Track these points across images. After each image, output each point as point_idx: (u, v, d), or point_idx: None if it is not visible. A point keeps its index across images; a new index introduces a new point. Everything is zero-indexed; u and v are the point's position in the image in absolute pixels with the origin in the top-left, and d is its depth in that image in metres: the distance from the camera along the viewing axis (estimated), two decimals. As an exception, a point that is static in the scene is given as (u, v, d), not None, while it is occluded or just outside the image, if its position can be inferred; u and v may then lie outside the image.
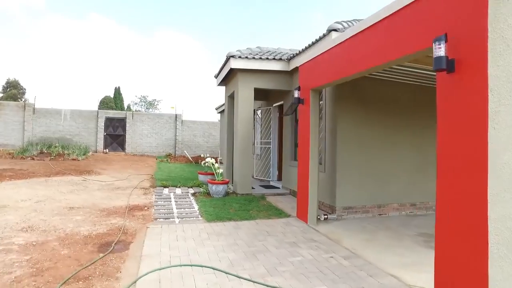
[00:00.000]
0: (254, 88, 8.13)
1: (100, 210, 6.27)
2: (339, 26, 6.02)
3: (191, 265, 3.78)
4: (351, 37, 4.43)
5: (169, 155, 20.12)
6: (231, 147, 9.65)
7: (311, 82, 5.74)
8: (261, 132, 10.42)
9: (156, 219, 5.82)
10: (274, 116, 9.78)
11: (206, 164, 8.27)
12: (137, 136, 19.86)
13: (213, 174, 9.45)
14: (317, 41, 6.55)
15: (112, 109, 32.33)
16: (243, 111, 8.05)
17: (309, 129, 5.78)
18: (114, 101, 38.66)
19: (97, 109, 20.07)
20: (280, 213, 6.48)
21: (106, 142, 19.23)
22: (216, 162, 17.33)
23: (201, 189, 8.48)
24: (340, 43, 4.74)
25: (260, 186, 9.24)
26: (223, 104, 17.71)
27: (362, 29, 4.17)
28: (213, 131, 21.72)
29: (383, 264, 3.98)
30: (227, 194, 7.92)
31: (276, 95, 9.47)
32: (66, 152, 16.25)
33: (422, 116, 6.76)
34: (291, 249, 4.45)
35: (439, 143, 2.94)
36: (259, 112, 10.95)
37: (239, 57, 7.77)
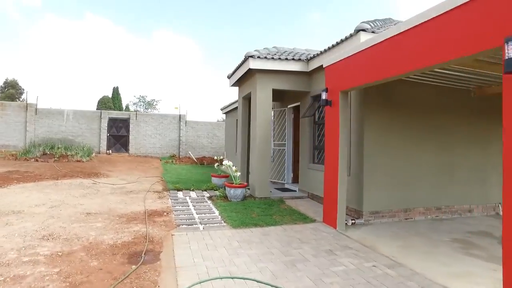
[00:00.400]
0: (272, 89, 7.91)
1: (118, 216, 6.01)
2: (367, 26, 5.82)
3: (232, 278, 3.55)
4: (392, 37, 4.23)
5: (173, 156, 19.84)
6: (246, 150, 9.43)
7: (340, 84, 5.54)
8: (274, 133, 10.20)
9: (178, 225, 5.58)
10: (289, 118, 9.57)
11: (222, 167, 8.03)
12: (140, 137, 19.55)
13: (227, 177, 9.25)
14: (342, 41, 6.35)
15: (111, 109, 31.94)
16: (261, 113, 7.83)
17: (338, 132, 5.58)
18: (113, 101, 38.21)
19: (96, 109, 19.70)
20: (304, 218, 6.27)
21: (109, 143, 18.90)
22: (221, 163, 17.08)
23: (217, 193, 8.24)
24: (378, 43, 4.53)
25: (276, 189, 9.02)
26: (229, 105, 17.48)
27: (406, 29, 3.96)
28: (217, 131, 21.47)
29: (431, 274, 3.79)
30: (244, 197, 7.70)
31: (291, 96, 9.26)
32: (69, 153, 15.92)
33: (448, 118, 6.60)
34: (329, 258, 4.24)
35: (505, 146, 2.75)
36: (272, 113, 10.74)
37: (258, 57, 7.55)
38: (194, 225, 5.63)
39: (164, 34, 68.96)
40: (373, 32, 5.81)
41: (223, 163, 7.95)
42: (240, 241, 4.84)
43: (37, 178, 9.88)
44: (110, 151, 18.72)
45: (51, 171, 11.61)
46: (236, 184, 7.60)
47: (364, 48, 4.90)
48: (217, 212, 6.53)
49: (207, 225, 5.68)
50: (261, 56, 7.56)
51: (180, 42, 69.82)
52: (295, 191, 8.72)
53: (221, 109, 18.94)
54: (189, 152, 20.06)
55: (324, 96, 5.80)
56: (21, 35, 60.30)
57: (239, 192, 7.56)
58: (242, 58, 8.02)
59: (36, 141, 17.35)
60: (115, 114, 19.47)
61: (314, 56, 7.51)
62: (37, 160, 14.33)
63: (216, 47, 71.01)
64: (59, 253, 4.07)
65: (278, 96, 9.70)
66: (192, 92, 68.32)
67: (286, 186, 9.44)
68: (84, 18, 62.78)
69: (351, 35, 6.04)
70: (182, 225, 5.62)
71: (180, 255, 4.19)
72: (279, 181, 9.75)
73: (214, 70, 70.80)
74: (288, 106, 9.53)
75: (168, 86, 66.91)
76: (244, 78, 8.67)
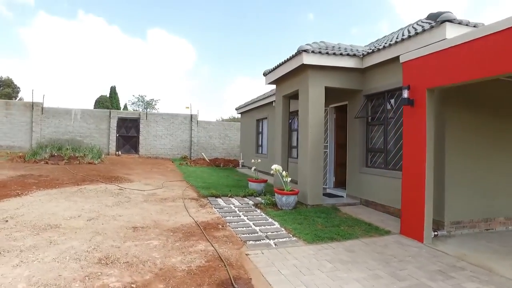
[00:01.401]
0: (324, 87, 7.18)
1: (170, 230, 5.22)
2: (453, 17, 5.14)
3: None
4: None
5: (184, 157, 18.98)
6: (286, 153, 8.69)
7: (427, 81, 4.84)
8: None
9: (245, 241, 4.81)
10: (330, 118, 8.86)
11: (271, 171, 7.28)
12: (151, 138, 18.65)
13: (265, 181, 8.52)
14: (416, 33, 5.65)
15: (108, 108, 30.94)
16: (314, 114, 7.10)
17: (424, 135, 4.89)
18: (110, 100, 37.06)
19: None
20: (376, 229, 5.56)
21: (118, 143, 17.97)
22: (238, 165, 16.31)
23: (260, 199, 7.51)
24: (485, 36, 3.85)
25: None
26: (247, 104, 16.71)
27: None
28: (228, 132, 20.67)
29: None
30: (295, 205, 6.96)
31: (334, 96, 8.53)
32: (78, 154, 14.97)
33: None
34: (451, 283, 3.54)
35: None
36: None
37: (312, 51, 6.82)
38: (262, 241, 4.88)
39: (158, 34, 67.69)
40: (459, 23, 5.13)
41: (272, 167, 7.19)
42: (331, 261, 4.11)
43: (55, 183, 8.98)
44: (120, 152, 17.78)
45: (67, 174, 10.70)
46: (287, 190, 6.87)
47: (463, 42, 4.22)
48: (276, 224, 5.78)
49: (276, 240, 4.93)
50: (315, 51, 6.83)
51: (174, 41, 68.66)
52: (342, 196, 8.01)
53: (236, 109, 18.16)
54: (202, 153, 19.23)
55: (405, 94, 5.10)
56: (13, 33, 58.49)
57: (292, 199, 6.82)
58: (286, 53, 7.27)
59: (42, 142, 16.34)
60: (124, 114, 18.52)
61: (372, 51, 6.81)
62: (47, 163, 13.36)
63: (211, 48, 70.04)
64: (132, 285, 3.28)
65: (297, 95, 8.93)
66: (189, 92, 67.30)
67: (329, 191, 8.72)
68: (76, 17, 61.19)
69: (431, 27, 5.34)
70: (249, 241, 4.86)
71: (277, 284, 3.44)
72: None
73: (207, 70, 69.97)
74: (330, 106, 8.81)
75: (164, 86, 65.75)
76: (289, 75, 7.91)
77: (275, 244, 4.75)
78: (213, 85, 70.77)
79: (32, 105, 16.59)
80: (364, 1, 77.85)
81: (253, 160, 8.95)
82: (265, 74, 9.10)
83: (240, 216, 6.23)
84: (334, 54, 6.97)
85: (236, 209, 6.80)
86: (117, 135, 17.87)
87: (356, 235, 5.24)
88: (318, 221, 5.91)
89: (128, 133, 18.23)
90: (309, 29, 74.84)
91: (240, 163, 16.91)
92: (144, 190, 8.54)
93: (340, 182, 8.82)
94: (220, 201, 7.56)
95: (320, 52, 6.87)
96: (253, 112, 15.64)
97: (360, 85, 7.43)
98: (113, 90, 37.82)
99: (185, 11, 67.57)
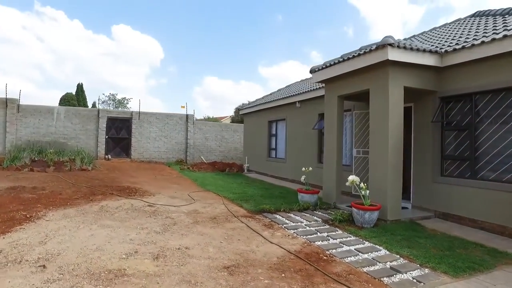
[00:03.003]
0: (403, 87, 6.21)
1: (271, 267, 3.93)
2: None
3: None
4: None
5: (180, 161, 17.27)
6: (340, 157, 7.62)
7: None
8: (355, 139, 8.51)
9: (378, 278, 3.68)
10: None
11: (347, 183, 6.17)
12: (144, 140, 16.71)
13: (316, 192, 7.43)
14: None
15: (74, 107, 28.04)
16: (394, 117, 6.10)
17: None
18: (77, 98, 33.93)
19: (97, 107, 16.52)
20: (501, 254, 4.66)
21: (107, 146, 15.85)
22: (241, 170, 14.99)
23: (326, 215, 6.41)
24: None
25: None
26: (252, 105, 15.43)
27: None
28: (225, 134, 19.22)
29: None
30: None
31: None
32: (63, 159, 12.83)
33: None
34: None
35: None
36: (348, 115, 9.05)
37: (397, 46, 5.81)
38: (396, 276, 3.78)
39: (123, 30, 63.76)
40: None
41: (349, 178, 6.08)
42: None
43: (61, 198, 7.18)
44: (109, 156, 15.69)
45: (65, 185, 8.83)
46: (367, 205, 5.81)
47: None
48: (382, 249, 4.69)
49: (410, 273, 3.85)
50: (400, 45, 5.83)
51: (141, 39, 65.10)
52: (407, 208, 7.10)
53: (238, 109, 16.79)
54: (201, 156, 17.65)
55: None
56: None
57: (375, 216, 5.78)
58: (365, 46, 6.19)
59: (19, 144, 13.86)
60: (115, 113, 16.38)
61: (462, 47, 5.94)
62: (32, 170, 11.18)
63: (178, 46, 67.44)
64: None
65: (359, 95, 7.96)
66: (156, 91, 64.21)
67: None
68: (32, 8, 55.73)
69: None
70: (381, 278, 3.73)
71: None
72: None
73: (178, 69, 67.36)
74: (384, 108, 7.87)
75: (132, 84, 62.13)
76: (354, 73, 6.84)
77: (417, 281, 3.67)
78: (181, 83, 68.26)
79: (6, 102, 14.01)
80: (330, 5, 79.16)
81: (304, 168, 7.77)
82: (313, 71, 7.96)
83: (329, 240, 5.06)
84: (417, 50, 6.02)
85: (313, 229, 5.62)
86: (106, 136, 15.75)
87: (489, 263, 4.29)
88: (422, 243, 4.93)
89: (119, 134, 16.16)
90: (277, 30, 74.62)
91: (245, 168, 15.60)
92: (178, 206, 7.04)
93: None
94: (280, 218, 6.33)
95: (404, 47, 5.88)
96: (263, 113, 14.41)
97: (435, 86, 6.56)
98: (79, 87, 34.60)
99: (152, 8, 64.23)
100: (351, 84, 7.07)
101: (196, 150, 18.21)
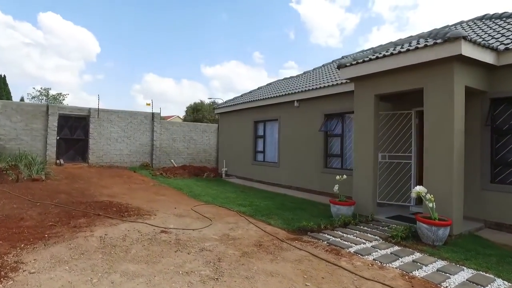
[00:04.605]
0: (464, 87, 5.49)
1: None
2: None
3: None
4: None
5: (146, 165, 14.94)
6: (377, 163, 6.70)
7: None
8: (380, 143, 7.69)
9: None
10: (414, 124, 7.23)
11: (412, 194, 5.20)
12: (103, 141, 14.00)
13: (353, 204, 6.45)
14: None
15: None
16: (458, 119, 5.33)
17: None
18: (-1, 92, 28.52)
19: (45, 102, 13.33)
20: None
21: (59, 149, 12.86)
22: (218, 174, 13.50)
23: (378, 231, 5.40)
24: None
25: (402, 216, 6.55)
26: (230, 105, 13.97)
27: None
28: (194, 134, 17.27)
29: None
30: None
31: (417, 96, 6.94)
32: (1, 165, 9.88)
33: None
34: None
35: None
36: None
37: (470, 40, 5.03)
38: None
39: (52, 18, 56.28)
40: None
41: (414, 190, 5.11)
42: None
43: (29, 227, 5.01)
44: (61, 160, 12.76)
45: (21, 204, 6.47)
46: (436, 219, 4.94)
47: None
48: (498, 279, 3.79)
49: None
50: (472, 39, 5.06)
51: (74, 31, 58.31)
52: (447, 218, 6.45)
53: (214, 108, 15.10)
54: (172, 160, 15.49)
55: None
56: None
57: (448, 232, 4.93)
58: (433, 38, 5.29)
59: None
60: (69, 109, 13.35)
61: (525, 45, 5.40)
62: (-39, 183, 8.22)
63: (117, 42, 62.15)
64: None
65: (388, 96, 7.19)
66: (93, 87, 58.10)
67: (413, 209, 7.07)
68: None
69: None
70: None
71: None
72: (395, 203, 7.33)
73: (116, 65, 61.98)
74: (414, 109, 7.18)
75: (65, 78, 55.16)
76: (400, 70, 5.92)
77: None
78: (119, 80, 62.89)
79: None
80: (273, 7, 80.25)
81: (338, 177, 6.65)
82: (342, 66, 6.90)
83: (422, 267, 4.02)
84: (484, 46, 5.33)
85: (386, 252, 4.57)
86: (58, 137, 12.76)
87: None
88: (523, 266, 4.19)
89: (73, 135, 13.25)
90: (221, 29, 73.13)
91: (223, 172, 14.02)
92: (199, 230, 5.39)
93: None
94: (334, 238, 5.14)
95: (474, 42, 5.14)
96: (247, 113, 13.00)
97: (486, 86, 5.99)
98: (2, 80, 28.90)
99: (90, 4, 57.82)
100: (392, 82, 6.17)
101: (162, 153, 16.00)
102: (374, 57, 6.26)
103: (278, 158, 11.26)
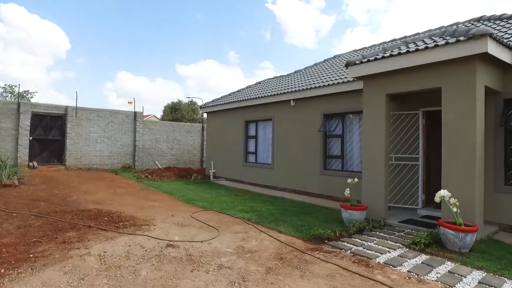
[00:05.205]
0: (484, 86, 5.28)
1: None
2: None
3: None
4: None
5: (128, 167, 14.00)
6: (388, 165, 6.40)
7: None
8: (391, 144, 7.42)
9: None
10: (421, 125, 7.02)
11: (437, 199, 4.90)
12: (82, 142, 12.91)
13: (365, 208, 6.14)
14: None
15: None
16: (480, 119, 5.12)
17: None
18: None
19: (17, 100, 12.10)
20: None
21: (32, 151, 11.66)
22: (205, 176, 12.92)
23: (396, 237, 5.08)
24: None
25: (411, 219, 6.32)
26: (218, 104, 13.35)
27: None
28: (178, 134, 16.46)
29: None
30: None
31: (424, 96, 6.75)
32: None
33: None
34: None
35: None
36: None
37: (494, 38, 4.80)
38: None
39: (15, 11, 52.84)
40: None
41: (438, 194, 4.81)
42: None
43: (9, 246, 4.23)
44: (35, 163, 11.58)
45: (9, 218, 5.55)
46: (461, 224, 4.68)
47: None
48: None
49: None
50: (496, 37, 4.84)
51: (41, 25, 55.00)
52: (458, 221, 6.27)
53: (201, 107, 14.38)
54: (156, 161, 14.61)
55: None
56: None
57: (475, 238, 4.68)
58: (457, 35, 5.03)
59: None
60: (43, 107, 12.14)
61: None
62: None
63: (88, 38, 59.45)
64: None
65: (396, 97, 6.93)
66: (62, 85, 55.10)
67: (423, 212, 6.85)
68: None
69: None
70: None
71: None
72: (403, 206, 7.09)
73: (87, 62, 59.23)
74: (422, 110, 6.97)
75: (31, 75, 51.85)
76: (417, 68, 5.64)
77: None
78: (90, 78, 60.10)
79: None
80: (248, 7, 80.00)
81: (350, 180, 6.28)
82: (351, 64, 6.55)
83: (462, 279, 3.69)
84: (505, 45, 5.14)
85: (417, 261, 4.23)
86: (31, 138, 11.56)
87: None
88: None
89: (48, 135, 12.07)
90: (196, 28, 71.89)
91: (211, 174, 13.37)
92: (208, 242, 4.80)
93: (430, 201, 7.09)
94: (355, 247, 4.74)
95: (498, 40, 4.94)
96: (237, 112, 12.43)
97: (499, 86, 5.84)
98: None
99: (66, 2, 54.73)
100: (405, 81, 5.89)
101: (145, 154, 15.08)
102: (388, 55, 5.95)
103: (272, 159, 10.80)
